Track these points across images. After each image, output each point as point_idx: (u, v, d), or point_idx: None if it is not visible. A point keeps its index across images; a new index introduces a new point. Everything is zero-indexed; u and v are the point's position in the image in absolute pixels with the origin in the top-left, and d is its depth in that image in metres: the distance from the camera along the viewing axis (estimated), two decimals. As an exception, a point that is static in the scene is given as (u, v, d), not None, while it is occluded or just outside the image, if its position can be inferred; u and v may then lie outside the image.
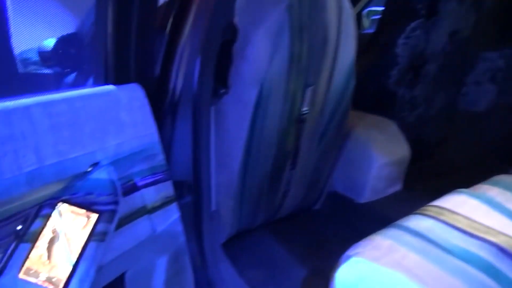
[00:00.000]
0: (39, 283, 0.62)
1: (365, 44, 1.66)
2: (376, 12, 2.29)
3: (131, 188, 0.78)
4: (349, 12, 1.22)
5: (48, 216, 0.66)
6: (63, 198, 0.68)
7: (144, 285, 0.81)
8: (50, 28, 0.96)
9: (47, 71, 1.05)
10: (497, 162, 1.79)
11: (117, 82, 0.80)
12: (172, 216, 0.88)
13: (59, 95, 0.66)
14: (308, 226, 1.53)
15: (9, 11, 0.83)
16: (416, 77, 1.73)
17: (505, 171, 1.18)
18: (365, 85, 1.43)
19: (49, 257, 0.64)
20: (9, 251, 0.61)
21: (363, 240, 0.94)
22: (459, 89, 1.97)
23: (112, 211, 0.70)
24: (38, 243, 0.64)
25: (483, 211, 0.97)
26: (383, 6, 1.81)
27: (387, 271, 0.81)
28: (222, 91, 1.06)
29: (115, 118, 0.72)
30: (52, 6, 0.92)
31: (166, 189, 0.86)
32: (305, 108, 1.23)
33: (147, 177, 0.81)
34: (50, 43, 0.99)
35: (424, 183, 1.66)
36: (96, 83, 0.80)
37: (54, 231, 0.65)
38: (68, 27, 1.00)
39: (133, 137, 0.76)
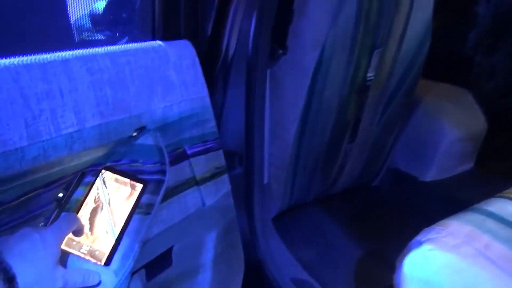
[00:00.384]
0: (81, 255, 0.58)
1: (437, 1, 1.46)
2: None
3: (179, 157, 0.71)
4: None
5: (90, 184, 0.60)
6: (106, 165, 0.62)
7: (192, 261, 0.75)
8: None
9: (99, 36, 0.99)
10: None
11: (166, 38, 0.71)
12: (222, 188, 0.80)
13: (102, 49, 0.58)
14: (365, 204, 1.43)
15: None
16: (497, 41, 1.51)
17: None
18: (436, 49, 1.25)
19: (91, 228, 0.59)
20: (50, 220, 0.57)
21: (436, 224, 0.82)
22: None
23: (158, 181, 0.64)
24: (80, 213, 0.59)
25: None
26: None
27: (468, 262, 0.70)
28: (280, 52, 0.95)
29: (163, 78, 0.64)
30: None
31: (217, 159, 0.79)
32: (370, 74, 1.10)
33: (196, 145, 0.74)
34: (100, 5, 0.93)
35: (499, 161, 1.48)
36: (143, 39, 0.72)
37: (97, 201, 0.60)
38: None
39: (183, 100, 0.68)
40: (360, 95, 1.13)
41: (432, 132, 1.36)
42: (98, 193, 0.61)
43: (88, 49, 0.57)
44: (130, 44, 0.63)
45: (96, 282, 0.56)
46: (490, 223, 0.77)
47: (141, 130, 0.63)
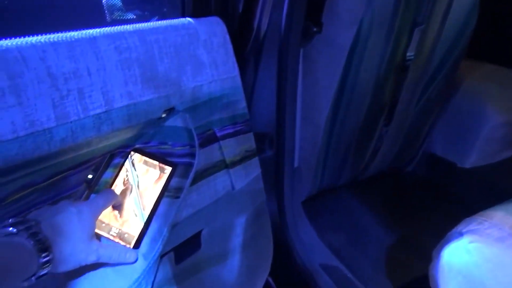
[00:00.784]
0: (111, 238, 0.57)
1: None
2: None
3: (208, 139, 0.69)
4: None
5: (119, 166, 0.59)
6: (135, 147, 0.60)
7: (220, 245, 0.74)
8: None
9: (130, 15, 0.97)
10: None
11: (196, 15, 0.68)
12: (252, 172, 0.78)
13: (130, 27, 0.56)
14: (398, 190, 1.37)
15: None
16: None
17: None
18: (481, 27, 1.16)
19: (120, 210, 0.58)
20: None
21: (478, 215, 0.77)
22: None
23: (188, 164, 0.62)
24: (109, 195, 0.58)
25: None
26: None
27: (514, 256, 0.65)
28: (314, 30, 0.89)
29: (192, 57, 0.62)
30: None
31: (247, 142, 0.76)
32: (410, 53, 1.03)
33: (227, 127, 0.71)
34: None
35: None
36: (172, 16, 0.69)
37: (125, 183, 0.59)
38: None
39: (213, 80, 0.65)
40: (398, 76, 1.07)
41: (473, 116, 1.27)
42: (127, 176, 0.60)
43: (116, 27, 0.54)
44: (159, 22, 0.60)
45: (132, 260, 0.56)
46: (539, 216, 0.72)
47: (170, 111, 0.61)
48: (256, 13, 0.80)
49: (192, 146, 0.62)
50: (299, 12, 0.81)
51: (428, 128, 1.34)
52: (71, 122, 0.48)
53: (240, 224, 0.77)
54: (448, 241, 0.74)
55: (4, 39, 0.44)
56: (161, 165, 0.60)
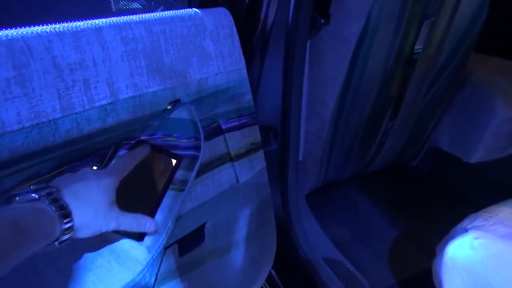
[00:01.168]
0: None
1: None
2: None
3: (213, 132, 0.68)
4: None
5: (124, 158, 0.59)
6: (140, 139, 0.60)
7: (224, 238, 0.73)
8: None
9: (135, 4, 0.96)
10: None
11: (202, 5, 0.67)
12: (257, 165, 0.77)
13: (136, 17, 0.55)
14: (402, 184, 1.37)
15: None
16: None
17: None
18: (490, 20, 1.14)
19: (124, 203, 0.57)
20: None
21: (483, 211, 0.76)
22: None
23: (193, 156, 0.61)
24: (114, 187, 0.57)
25: None
26: None
27: (520, 253, 0.64)
28: (322, 22, 0.88)
29: (198, 48, 0.61)
30: None
31: (252, 135, 0.75)
32: (418, 46, 1.01)
33: (232, 120, 0.71)
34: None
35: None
36: (178, 6, 0.68)
37: (130, 175, 0.59)
38: None
39: (219, 72, 0.64)
40: (405, 69, 1.05)
41: (481, 110, 1.26)
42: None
43: (122, 17, 0.54)
44: (166, 12, 0.60)
45: (152, 230, 0.56)
46: (545, 212, 0.72)
47: (176, 103, 0.61)
48: (263, 4, 0.79)
49: (197, 138, 0.62)
50: (307, 3, 0.80)
51: (435, 122, 1.33)
52: (76, 113, 0.47)
53: (244, 217, 0.77)
54: (452, 237, 0.74)
55: (9, 29, 0.44)
56: (166, 157, 0.60)
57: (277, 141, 0.91)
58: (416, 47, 1.01)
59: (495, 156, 1.31)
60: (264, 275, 0.85)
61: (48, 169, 0.50)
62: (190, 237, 0.66)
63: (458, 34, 1.06)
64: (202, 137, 0.61)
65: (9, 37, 0.43)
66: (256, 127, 0.76)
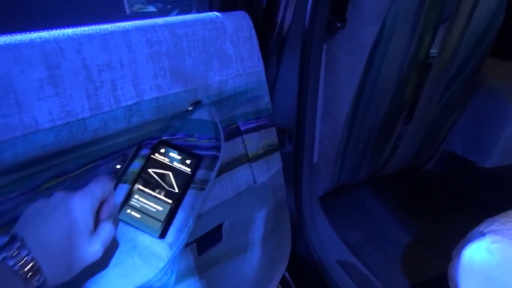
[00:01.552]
0: (138, 227, 0.58)
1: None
2: None
3: (232, 133, 0.70)
4: None
5: (147, 157, 0.60)
6: (162, 139, 0.61)
7: (241, 238, 0.74)
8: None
9: (151, 8, 0.98)
10: None
11: (222, 9, 0.69)
12: (274, 166, 0.78)
13: (160, 20, 0.57)
14: (415, 188, 1.36)
15: None
16: None
17: None
18: (506, 24, 1.14)
19: (147, 200, 0.59)
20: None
21: (500, 215, 0.76)
22: None
23: (213, 157, 0.63)
24: (136, 185, 0.59)
25: None
26: None
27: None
28: (338, 25, 0.89)
29: (219, 50, 0.62)
30: None
31: (270, 137, 0.77)
32: (433, 51, 1.02)
33: (250, 121, 0.72)
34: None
35: None
36: (200, 10, 0.70)
37: (152, 174, 0.60)
38: None
39: (238, 74, 0.66)
40: (420, 73, 1.06)
41: (497, 114, 1.25)
42: (154, 167, 0.61)
43: (147, 20, 0.55)
44: (188, 15, 0.61)
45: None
46: None
47: (197, 104, 0.62)
48: (280, 8, 0.80)
49: (218, 139, 0.63)
50: (324, 7, 0.81)
51: (449, 126, 1.32)
52: (103, 113, 0.49)
53: (260, 218, 0.78)
54: (469, 241, 0.73)
55: (42, 31, 0.46)
56: (187, 157, 0.61)
57: (291, 143, 0.91)
58: (431, 51, 1.02)
59: (510, 162, 1.30)
60: (279, 275, 0.85)
61: (75, 167, 0.51)
62: (208, 236, 0.68)
63: (474, 39, 1.06)
64: (222, 138, 0.63)
65: (42, 39, 0.44)
66: (273, 129, 0.78)
